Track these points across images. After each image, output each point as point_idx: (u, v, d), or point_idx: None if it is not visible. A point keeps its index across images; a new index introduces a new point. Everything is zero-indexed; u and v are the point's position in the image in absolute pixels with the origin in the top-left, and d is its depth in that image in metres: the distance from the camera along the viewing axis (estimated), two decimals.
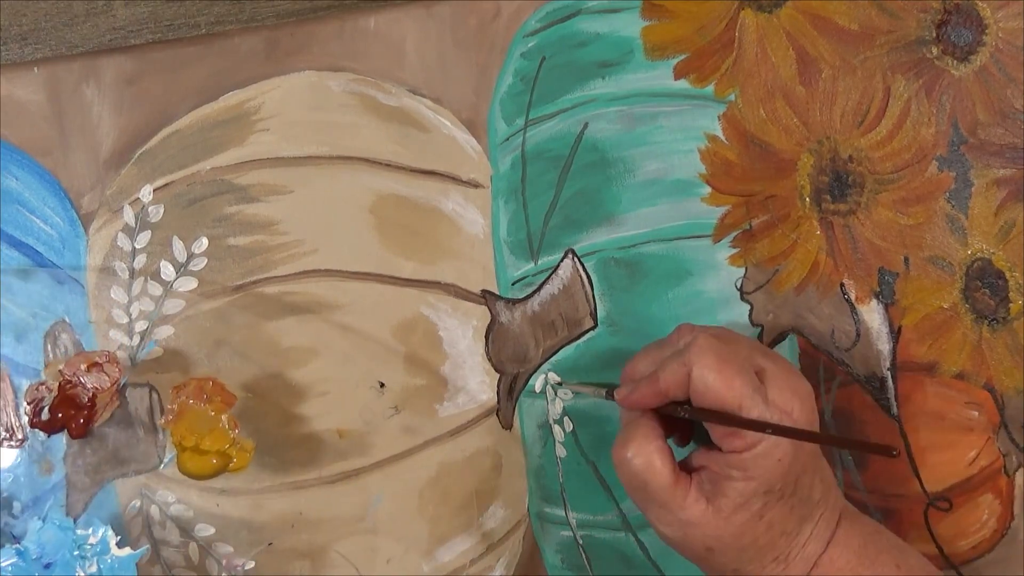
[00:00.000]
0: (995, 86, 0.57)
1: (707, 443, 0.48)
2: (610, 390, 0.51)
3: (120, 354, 0.52)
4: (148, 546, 0.51)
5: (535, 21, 0.55)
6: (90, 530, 0.50)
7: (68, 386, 0.49)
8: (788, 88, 0.56)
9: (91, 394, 0.49)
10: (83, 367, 0.49)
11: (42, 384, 0.50)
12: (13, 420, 0.51)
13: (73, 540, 0.50)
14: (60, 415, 0.49)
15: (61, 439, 0.51)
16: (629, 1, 0.56)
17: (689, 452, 0.49)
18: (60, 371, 0.49)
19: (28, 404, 0.49)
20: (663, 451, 0.47)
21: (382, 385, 0.53)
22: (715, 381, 0.45)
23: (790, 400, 0.46)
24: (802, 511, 0.47)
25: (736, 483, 0.46)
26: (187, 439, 0.49)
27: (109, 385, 0.49)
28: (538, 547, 0.56)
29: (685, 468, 0.48)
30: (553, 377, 0.55)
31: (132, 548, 0.51)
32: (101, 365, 0.49)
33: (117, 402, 0.51)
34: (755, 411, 0.45)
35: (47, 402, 0.49)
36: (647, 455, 0.47)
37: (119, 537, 0.50)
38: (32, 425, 0.49)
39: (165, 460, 0.52)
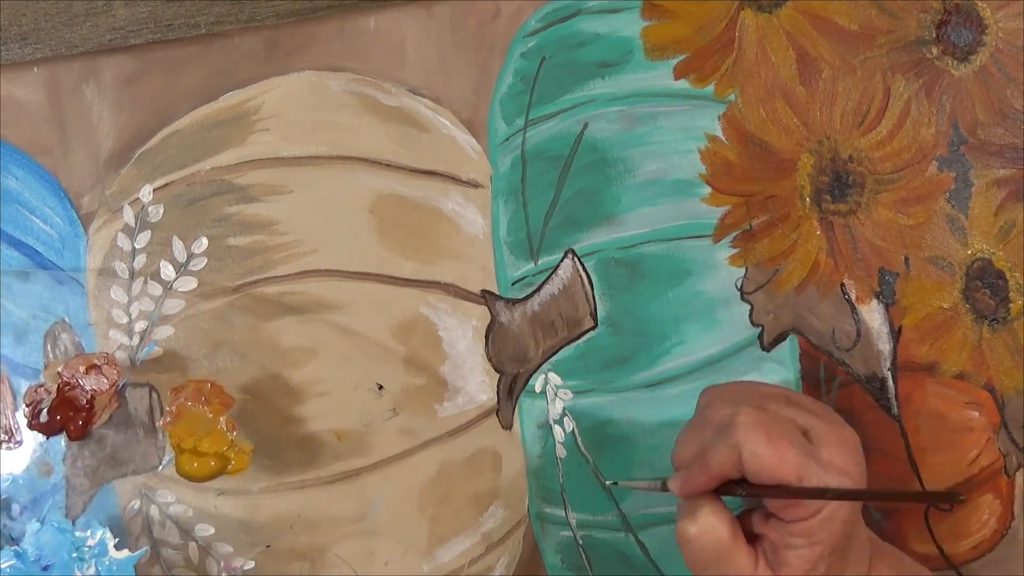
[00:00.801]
0: (995, 86, 0.57)
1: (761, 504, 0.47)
2: (663, 481, 0.49)
3: (119, 355, 0.52)
4: (147, 547, 0.51)
5: (535, 21, 0.55)
6: (88, 532, 0.50)
7: (66, 388, 0.49)
8: (788, 88, 0.56)
9: (89, 396, 0.49)
10: (81, 369, 0.49)
11: (40, 386, 0.50)
12: (11, 422, 0.51)
13: (71, 542, 0.50)
14: (59, 417, 0.49)
15: (59, 441, 0.51)
16: (629, 1, 0.56)
17: (740, 512, 0.48)
18: (58, 373, 0.49)
19: (27, 406, 0.49)
20: (733, 525, 0.45)
21: (380, 387, 0.53)
22: (769, 458, 0.44)
23: (842, 456, 0.44)
24: (855, 557, 0.46)
25: (801, 551, 0.44)
26: (185, 441, 0.49)
27: (108, 387, 0.49)
28: (538, 547, 0.56)
29: (746, 535, 0.46)
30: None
31: (132, 549, 0.51)
32: (100, 367, 0.49)
33: (116, 404, 0.51)
34: (813, 479, 0.43)
35: (46, 404, 0.49)
36: (717, 531, 0.45)
37: (117, 539, 0.50)
38: (31, 427, 0.49)
39: (164, 461, 0.52)
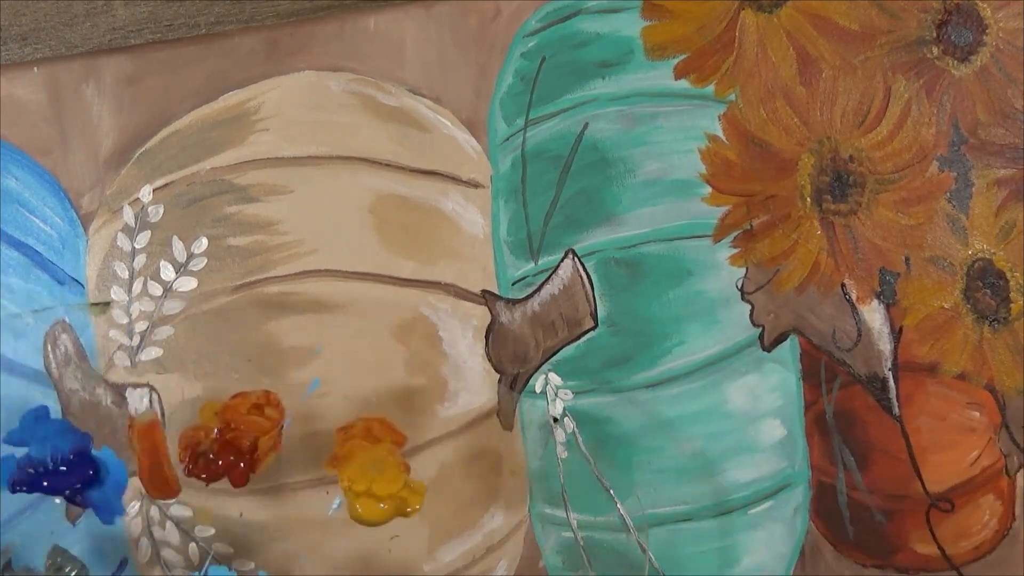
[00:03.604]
0: (995, 86, 0.57)
1: None
2: None
3: (119, 355, 0.52)
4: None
5: (535, 21, 0.55)
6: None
7: (228, 431, 0.46)
8: (788, 88, 0.56)
9: (253, 439, 0.46)
10: (243, 410, 0.46)
11: (199, 428, 0.46)
12: (169, 472, 0.47)
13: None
14: (220, 463, 0.45)
15: None
16: (629, 1, 0.56)
17: None
18: (217, 414, 0.46)
19: (183, 450, 0.45)
20: None
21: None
22: None
23: None
24: None
25: None
26: (358, 483, 0.46)
27: (271, 428, 0.46)
28: (539, 548, 0.56)
29: None
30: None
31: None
32: (262, 407, 0.46)
33: (280, 447, 0.48)
34: None
35: (205, 447, 0.45)
36: None
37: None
38: (188, 473, 0.46)
39: (334, 506, 0.50)
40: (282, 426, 0.48)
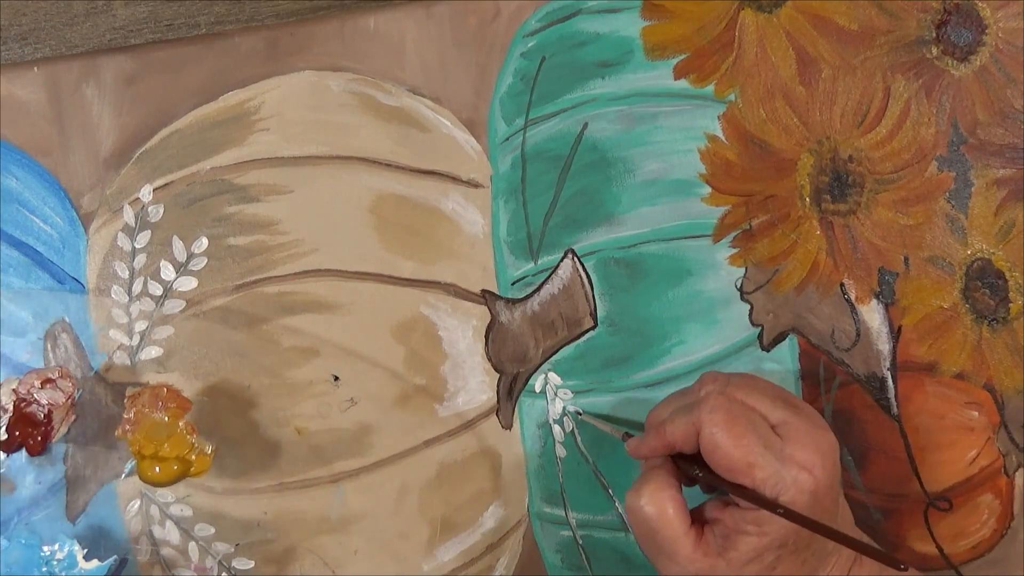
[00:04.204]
0: (995, 86, 0.57)
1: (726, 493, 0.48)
2: (627, 434, 0.51)
3: (119, 355, 0.52)
4: (116, 556, 0.51)
5: (535, 21, 0.55)
6: (56, 546, 0.50)
7: (23, 404, 0.49)
8: (788, 88, 0.56)
9: (47, 410, 0.49)
10: (37, 384, 0.49)
11: None
12: None
13: (40, 557, 0.50)
14: (17, 433, 0.49)
15: (20, 457, 0.51)
16: (629, 1, 0.56)
17: (703, 501, 0.49)
18: (14, 390, 0.49)
19: None
20: (676, 500, 0.47)
21: (336, 378, 0.53)
22: (724, 442, 0.45)
23: (811, 456, 0.45)
24: (814, 563, 0.47)
25: (750, 538, 0.45)
26: (146, 447, 0.49)
27: (64, 400, 0.49)
28: (538, 547, 0.56)
29: (698, 519, 0.48)
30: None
31: (127, 552, 0.52)
32: (55, 380, 0.49)
33: (74, 416, 0.51)
34: (768, 469, 0.45)
35: (3, 422, 0.49)
36: (659, 503, 0.47)
37: (86, 550, 0.50)
38: None
39: (125, 469, 0.52)
40: (74, 398, 0.50)
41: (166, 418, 0.49)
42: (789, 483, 0.45)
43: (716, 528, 0.47)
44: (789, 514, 0.44)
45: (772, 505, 0.45)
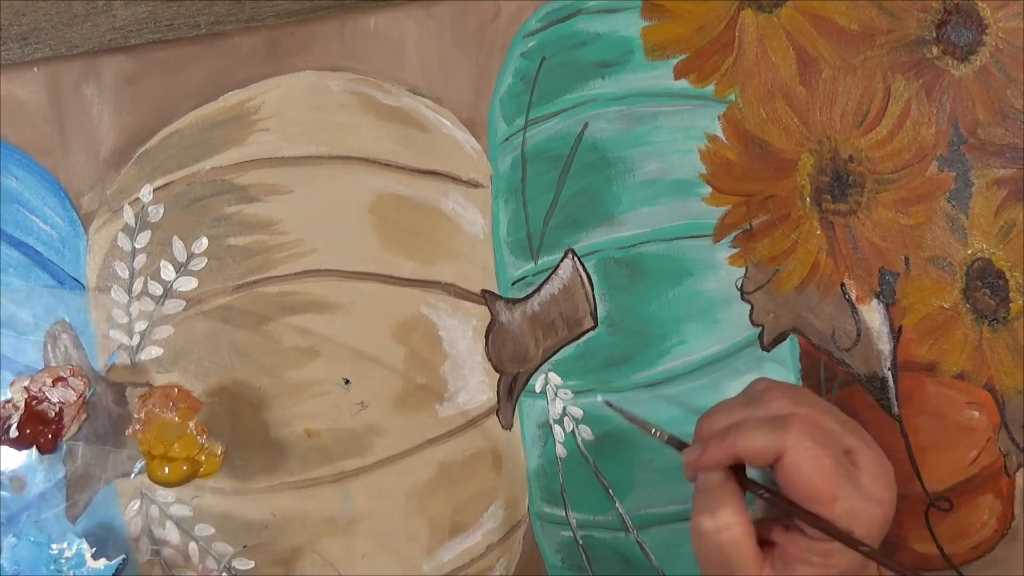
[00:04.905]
0: (995, 86, 0.57)
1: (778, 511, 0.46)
2: (673, 437, 0.48)
3: (119, 355, 0.52)
4: (124, 555, 0.51)
5: (535, 21, 0.55)
6: (65, 544, 0.50)
7: (34, 402, 0.49)
8: (788, 88, 0.56)
9: (58, 408, 0.49)
10: (48, 382, 0.49)
11: (8, 402, 0.50)
12: None
13: (49, 555, 0.50)
14: (28, 431, 0.49)
15: (31, 455, 0.51)
16: (629, 1, 0.56)
17: (762, 519, 0.47)
18: (25, 388, 0.49)
19: None
20: (751, 529, 0.45)
21: (347, 381, 0.53)
22: (809, 469, 0.43)
23: (880, 485, 0.44)
24: None
25: (812, 568, 0.44)
26: (156, 447, 0.49)
27: (75, 398, 0.49)
28: (538, 547, 0.56)
29: (760, 539, 0.46)
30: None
31: (132, 549, 0.52)
32: (66, 379, 0.49)
33: (85, 415, 0.51)
34: (849, 503, 0.43)
35: (14, 420, 0.49)
36: (737, 532, 0.44)
37: (94, 549, 0.50)
38: (0, 443, 0.49)
39: (135, 469, 0.52)
40: (85, 396, 0.50)
41: (176, 418, 0.49)
42: (865, 517, 0.44)
43: (775, 552, 0.45)
44: (869, 551, 0.43)
45: (853, 542, 0.43)
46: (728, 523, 0.44)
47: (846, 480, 0.43)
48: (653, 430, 0.50)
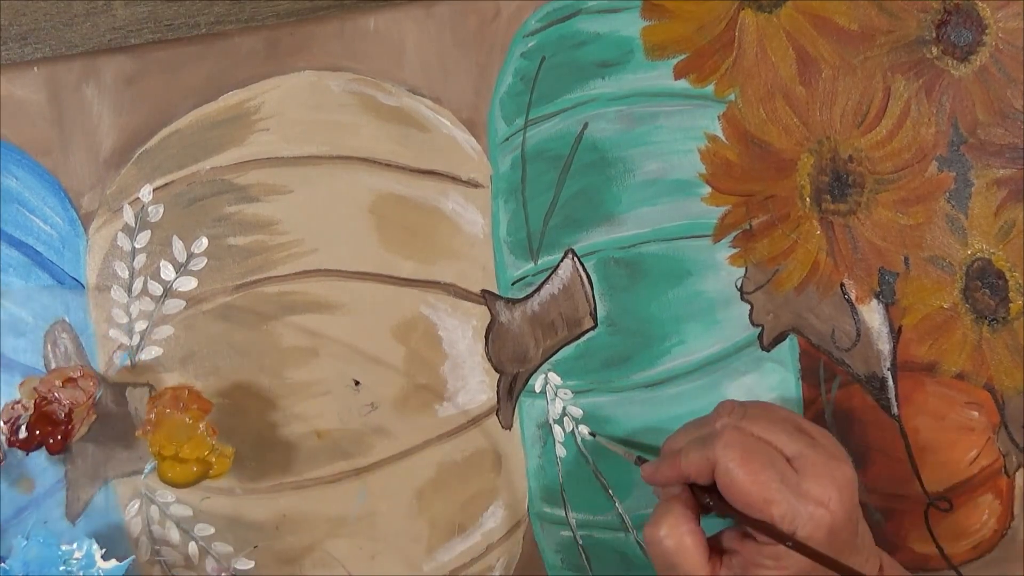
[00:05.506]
0: (995, 86, 0.57)
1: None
2: (640, 458, 0.51)
3: (118, 355, 0.52)
4: (133, 556, 0.51)
5: (535, 21, 0.55)
6: (75, 545, 0.50)
7: (44, 403, 0.49)
8: (788, 88, 0.56)
9: (67, 409, 0.49)
10: (58, 383, 0.49)
11: (18, 403, 0.49)
12: None
13: (58, 556, 0.50)
14: (38, 432, 0.49)
15: (41, 455, 0.51)
16: (629, 1, 0.56)
17: (721, 530, 0.49)
18: (35, 389, 0.49)
19: (4, 423, 0.49)
20: (695, 533, 0.47)
21: (357, 383, 0.53)
22: (740, 476, 0.45)
23: (827, 490, 0.45)
24: None
25: (768, 572, 0.45)
26: (166, 448, 0.49)
27: (85, 399, 0.49)
28: (538, 547, 0.56)
29: (715, 548, 0.48)
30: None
31: (132, 549, 0.52)
32: (76, 380, 0.49)
33: (94, 415, 0.51)
34: (784, 505, 0.45)
35: (24, 420, 0.49)
36: (679, 537, 0.46)
37: (104, 550, 0.50)
38: (10, 444, 0.49)
39: (146, 469, 0.52)
40: (95, 397, 0.50)
41: (188, 420, 0.49)
42: (806, 518, 0.45)
43: (734, 560, 0.47)
44: (802, 548, 0.44)
45: (787, 540, 0.44)
46: (672, 530, 0.47)
47: (780, 483, 0.45)
48: (623, 453, 0.53)
